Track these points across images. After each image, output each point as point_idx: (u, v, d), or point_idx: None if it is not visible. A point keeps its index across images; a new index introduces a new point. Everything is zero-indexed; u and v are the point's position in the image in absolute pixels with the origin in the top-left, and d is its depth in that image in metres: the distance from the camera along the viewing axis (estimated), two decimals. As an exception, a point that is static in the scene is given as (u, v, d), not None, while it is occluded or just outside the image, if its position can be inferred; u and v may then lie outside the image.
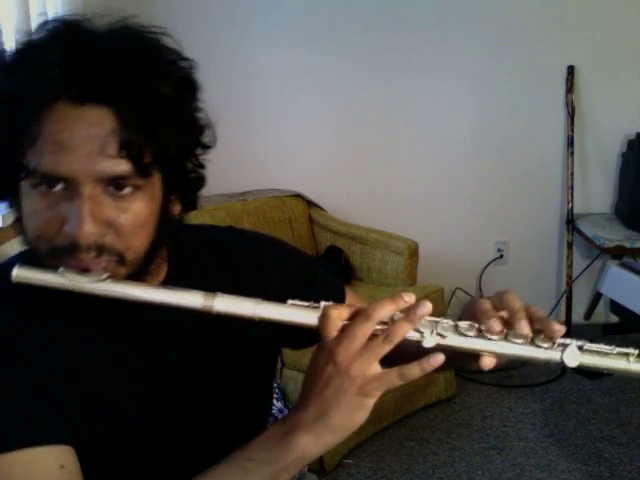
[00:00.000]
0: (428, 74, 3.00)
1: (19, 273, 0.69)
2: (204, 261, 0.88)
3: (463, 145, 3.10)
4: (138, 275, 0.74)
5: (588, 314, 3.21)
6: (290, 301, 0.71)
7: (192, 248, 0.88)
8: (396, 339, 0.67)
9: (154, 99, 0.69)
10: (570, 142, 3.04)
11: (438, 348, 0.68)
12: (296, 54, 2.93)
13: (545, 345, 0.70)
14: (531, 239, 3.22)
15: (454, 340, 0.70)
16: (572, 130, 3.03)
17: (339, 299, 0.97)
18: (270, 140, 3.00)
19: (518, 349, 0.71)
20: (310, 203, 2.95)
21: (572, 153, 3.04)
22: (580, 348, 0.71)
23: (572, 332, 3.09)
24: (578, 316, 3.20)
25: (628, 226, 2.96)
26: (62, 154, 0.67)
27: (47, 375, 0.74)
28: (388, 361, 0.68)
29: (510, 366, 2.85)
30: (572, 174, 3.06)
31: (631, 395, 2.71)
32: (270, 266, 0.92)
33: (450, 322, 0.71)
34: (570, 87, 3.01)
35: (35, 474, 0.70)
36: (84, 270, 0.70)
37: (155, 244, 0.75)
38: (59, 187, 0.69)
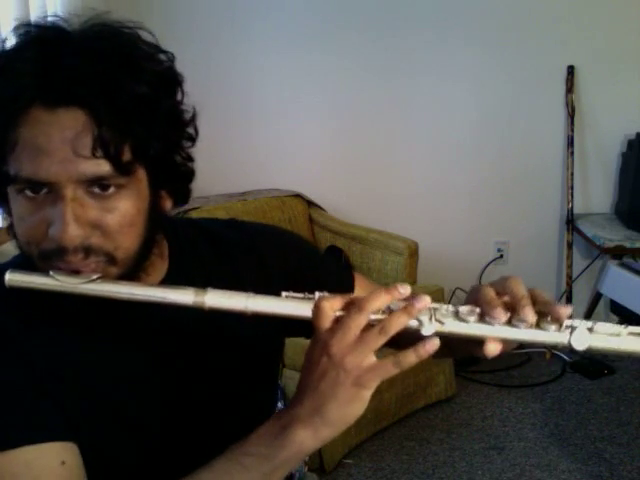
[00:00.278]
0: (428, 74, 3.00)
1: (11, 277, 0.70)
2: (205, 257, 0.88)
3: (463, 145, 3.10)
4: (132, 274, 0.74)
5: (588, 314, 3.20)
6: (284, 293, 0.71)
7: (193, 244, 0.88)
8: (392, 331, 0.66)
9: (127, 96, 0.68)
10: (570, 142, 3.04)
11: (438, 335, 0.67)
12: (296, 54, 2.93)
13: (552, 328, 0.68)
14: (531, 239, 3.22)
15: (454, 326, 0.68)
16: (572, 130, 3.03)
17: (346, 287, 0.96)
18: (270, 140, 3.00)
19: (523, 333, 0.68)
20: (310, 203, 2.95)
21: (572, 153, 3.04)
22: (589, 330, 0.69)
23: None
24: (578, 316, 3.18)
25: (628, 226, 2.95)
26: (40, 159, 0.67)
27: (47, 374, 0.74)
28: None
29: (513, 374, 2.85)
30: (572, 174, 3.06)
31: (631, 395, 2.71)
32: (272, 259, 0.92)
33: (450, 307, 0.69)
34: (570, 87, 3.01)
35: (37, 471, 0.70)
36: (74, 272, 0.70)
37: (147, 241, 0.75)
38: (43, 191, 0.69)
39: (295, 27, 2.91)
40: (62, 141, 0.67)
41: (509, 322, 0.69)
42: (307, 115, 3.00)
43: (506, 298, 0.71)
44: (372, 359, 0.66)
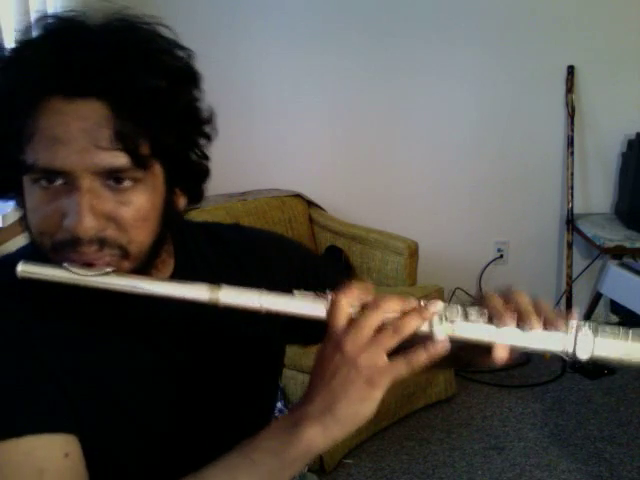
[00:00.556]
0: (428, 74, 3.00)
1: (24, 268, 0.70)
2: (210, 258, 0.88)
3: (463, 145, 3.10)
4: (144, 269, 0.74)
5: (588, 314, 3.20)
6: (296, 291, 0.71)
7: (198, 244, 0.88)
8: (405, 331, 0.66)
9: (147, 91, 0.68)
10: (570, 142, 3.04)
11: (449, 339, 0.68)
12: (296, 54, 2.93)
13: (559, 335, 0.69)
14: (531, 239, 3.22)
15: (465, 329, 0.69)
16: (572, 130, 3.03)
17: None
18: (270, 140, 3.00)
19: (532, 339, 0.69)
20: (310, 203, 2.95)
21: (572, 153, 3.04)
22: (594, 335, 0.69)
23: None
24: (578, 316, 3.19)
25: (628, 226, 2.96)
26: (57, 148, 0.67)
27: (55, 367, 0.74)
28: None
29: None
30: (572, 174, 3.06)
31: (631, 395, 2.71)
32: (275, 264, 0.92)
33: (460, 308, 0.70)
34: (570, 87, 3.01)
35: (39, 461, 0.70)
36: (87, 264, 0.70)
37: (160, 237, 0.75)
38: (59, 182, 0.69)
39: (295, 27, 2.91)
40: (80, 131, 0.67)
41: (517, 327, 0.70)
42: (307, 115, 3.00)
43: (512, 308, 0.71)
44: (384, 359, 0.66)
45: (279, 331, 0.88)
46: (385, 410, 2.41)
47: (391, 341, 0.66)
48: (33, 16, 0.73)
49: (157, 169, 0.72)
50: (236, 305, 0.70)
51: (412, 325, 0.67)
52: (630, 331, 0.71)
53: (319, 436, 0.67)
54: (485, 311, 0.70)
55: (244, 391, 0.89)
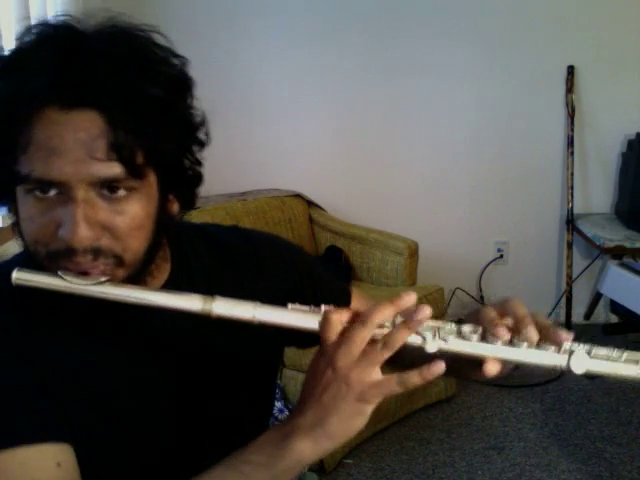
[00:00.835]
0: (428, 74, 3.00)
1: (18, 276, 0.70)
2: (206, 261, 0.88)
3: (463, 145, 3.10)
4: (138, 276, 0.74)
5: (588, 314, 3.21)
6: (290, 305, 0.71)
7: (195, 248, 0.88)
8: (395, 346, 0.66)
9: (142, 100, 0.68)
10: (570, 142, 3.04)
11: (441, 353, 0.67)
12: (296, 54, 2.93)
13: (552, 350, 0.69)
14: (531, 239, 3.22)
15: (457, 344, 0.69)
16: (572, 130, 3.03)
17: (344, 300, 0.97)
18: (270, 140, 3.00)
19: (524, 353, 0.69)
20: (310, 203, 2.95)
21: (572, 153, 3.04)
22: (588, 354, 0.69)
23: (572, 332, 3.08)
24: (578, 316, 3.20)
25: (628, 226, 2.96)
26: (53, 159, 0.67)
27: (48, 375, 0.74)
28: (391, 364, 0.68)
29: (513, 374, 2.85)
30: (572, 174, 3.06)
31: (631, 395, 2.70)
32: (273, 267, 0.92)
33: (453, 326, 0.70)
34: (570, 87, 3.01)
35: (32, 472, 0.70)
36: (82, 273, 0.70)
37: (154, 244, 0.75)
38: (53, 192, 0.68)
39: (295, 27, 2.91)
40: (76, 142, 0.67)
41: (510, 343, 0.69)
42: (307, 115, 3.00)
43: (508, 321, 0.71)
44: (377, 374, 0.66)
45: (275, 335, 0.88)
46: (385, 410, 2.41)
47: (381, 356, 0.66)
48: (28, 23, 0.72)
49: (151, 177, 0.72)
50: (229, 316, 0.70)
51: (401, 338, 0.66)
52: (624, 353, 0.71)
53: (309, 450, 0.67)
54: (479, 329, 0.70)
55: (241, 396, 0.88)
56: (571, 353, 0.69)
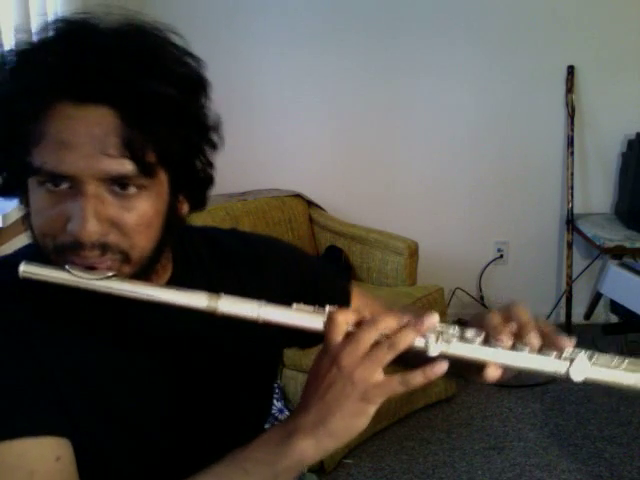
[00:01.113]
0: (428, 74, 3.00)
1: (26, 269, 0.70)
2: (208, 263, 0.88)
3: (463, 145, 3.10)
4: (144, 274, 0.75)
5: (588, 314, 3.20)
6: (295, 305, 0.71)
7: (196, 250, 0.88)
8: (401, 347, 0.66)
9: (156, 99, 0.69)
10: (570, 142, 3.04)
11: (443, 356, 0.68)
12: (296, 54, 2.93)
13: (554, 357, 0.69)
14: (531, 239, 3.22)
15: (459, 348, 0.69)
16: (572, 130, 3.03)
17: (344, 300, 0.97)
18: (270, 140, 3.00)
19: (526, 358, 0.69)
20: (310, 203, 2.95)
21: (572, 153, 3.04)
22: (589, 360, 0.69)
23: (572, 332, 3.09)
24: (578, 316, 3.20)
25: (628, 226, 2.96)
26: (65, 153, 0.67)
27: (51, 368, 0.74)
28: (392, 365, 0.68)
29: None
30: (572, 174, 3.06)
31: (631, 395, 2.70)
32: (273, 270, 0.92)
33: (457, 330, 0.70)
34: (570, 87, 3.01)
35: (30, 464, 0.70)
36: (89, 268, 0.70)
37: (161, 243, 0.75)
38: (64, 185, 0.69)
39: (295, 27, 2.91)
40: (88, 137, 0.67)
41: (513, 348, 0.70)
42: (307, 115, 3.00)
43: (511, 326, 0.72)
44: (380, 375, 0.67)
45: (277, 335, 0.88)
46: (385, 410, 2.41)
47: (387, 356, 0.66)
48: (37, 18, 0.73)
49: (162, 176, 0.72)
50: (234, 315, 0.70)
51: (407, 340, 0.67)
52: (626, 360, 0.71)
53: (311, 448, 0.68)
54: (482, 333, 0.70)
55: (241, 396, 0.89)
56: (572, 360, 0.69)
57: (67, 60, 0.67)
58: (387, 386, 0.67)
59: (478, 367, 0.71)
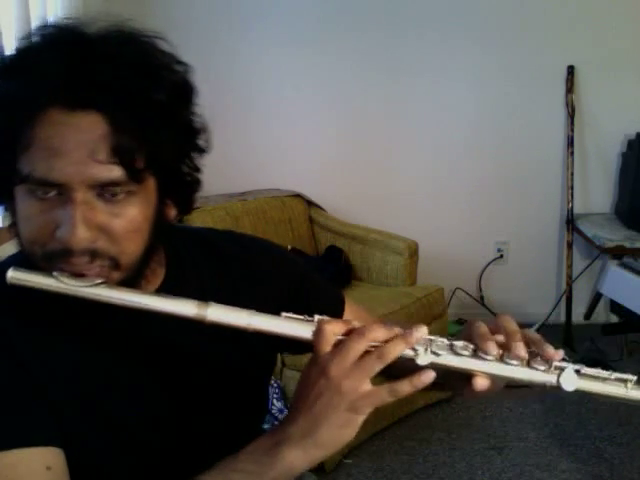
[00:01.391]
0: (428, 74, 3.00)
1: (14, 275, 0.70)
2: (201, 266, 0.88)
3: (463, 145, 3.10)
4: (134, 279, 0.74)
5: (588, 314, 3.20)
6: (284, 314, 0.71)
7: (189, 252, 0.88)
8: (389, 357, 0.66)
9: (146, 105, 0.69)
10: (570, 142, 3.04)
11: (432, 366, 0.68)
12: (296, 54, 2.93)
13: (541, 368, 0.70)
14: (531, 239, 3.22)
15: (448, 359, 0.69)
16: (572, 130, 3.03)
17: (338, 309, 0.97)
18: (270, 140, 3.00)
19: (513, 370, 0.70)
20: (310, 203, 2.95)
21: (572, 153, 3.04)
22: (577, 372, 0.70)
23: (572, 332, 3.09)
24: (578, 316, 3.20)
25: (628, 226, 2.96)
26: (54, 160, 0.67)
27: (41, 377, 0.74)
28: (380, 375, 0.68)
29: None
30: (572, 174, 3.06)
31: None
32: (266, 274, 0.92)
33: (445, 341, 0.70)
34: (570, 87, 3.01)
35: (21, 474, 0.70)
36: (78, 275, 0.70)
37: (150, 248, 0.75)
38: (53, 193, 0.68)
39: (295, 27, 2.91)
40: (78, 144, 0.67)
41: (501, 359, 0.70)
42: (307, 115, 3.00)
43: (499, 337, 0.72)
44: (368, 385, 0.67)
45: (268, 342, 0.88)
46: (385, 410, 2.41)
47: (375, 367, 0.66)
48: (34, 23, 0.73)
49: (150, 182, 0.72)
50: (223, 323, 0.70)
51: (396, 351, 0.66)
52: (613, 375, 0.71)
53: (299, 458, 0.67)
54: (471, 346, 0.70)
55: (233, 402, 0.88)
56: (560, 371, 0.70)
57: (56, 67, 0.67)
58: (375, 396, 0.66)
59: (468, 379, 0.70)
